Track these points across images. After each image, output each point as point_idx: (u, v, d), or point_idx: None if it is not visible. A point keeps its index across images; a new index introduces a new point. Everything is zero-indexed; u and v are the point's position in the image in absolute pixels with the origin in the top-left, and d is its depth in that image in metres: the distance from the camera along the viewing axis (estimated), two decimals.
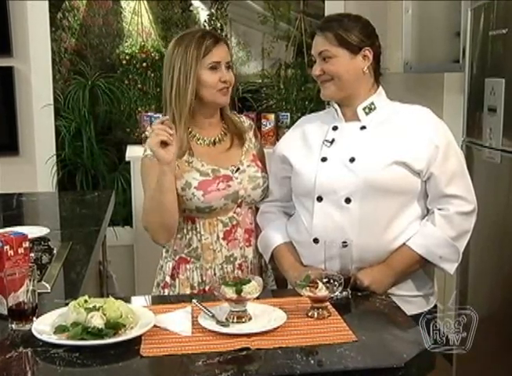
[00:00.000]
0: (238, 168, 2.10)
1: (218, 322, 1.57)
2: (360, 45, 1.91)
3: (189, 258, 2.09)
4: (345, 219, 1.87)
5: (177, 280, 2.10)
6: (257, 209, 2.17)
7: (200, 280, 2.08)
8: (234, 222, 2.09)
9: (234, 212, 2.09)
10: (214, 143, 2.13)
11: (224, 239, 2.08)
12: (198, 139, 2.11)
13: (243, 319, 1.59)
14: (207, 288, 2.06)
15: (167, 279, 2.11)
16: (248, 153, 2.17)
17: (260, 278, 1.67)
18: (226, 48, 2.09)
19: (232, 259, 2.08)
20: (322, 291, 1.65)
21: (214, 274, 2.07)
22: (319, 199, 1.91)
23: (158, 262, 2.18)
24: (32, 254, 1.94)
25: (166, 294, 2.10)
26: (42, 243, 2.23)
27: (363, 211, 1.86)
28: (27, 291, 1.56)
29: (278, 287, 2.22)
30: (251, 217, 2.14)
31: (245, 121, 2.25)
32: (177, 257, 2.10)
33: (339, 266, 1.80)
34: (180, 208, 2.03)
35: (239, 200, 2.08)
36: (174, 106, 2.04)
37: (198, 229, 2.07)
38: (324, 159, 1.93)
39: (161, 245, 2.12)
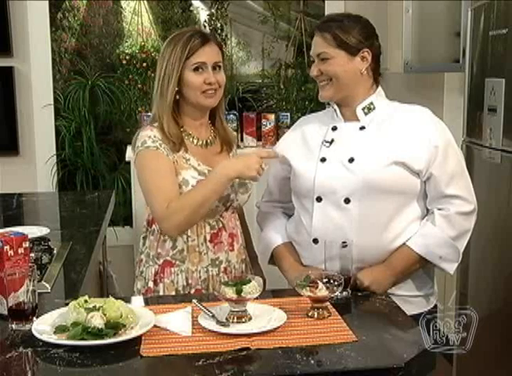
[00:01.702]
0: None
1: (218, 322, 1.57)
2: (358, 47, 1.90)
3: (173, 261, 2.06)
4: (345, 219, 1.87)
5: (160, 284, 2.06)
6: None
7: (185, 284, 2.05)
8: (220, 225, 2.07)
9: (221, 215, 2.08)
10: (207, 145, 2.12)
11: (210, 242, 2.06)
12: (192, 139, 2.10)
13: (243, 320, 1.59)
14: (192, 291, 2.04)
15: (150, 284, 2.08)
16: None
17: (260, 278, 1.67)
18: (216, 48, 2.06)
19: (217, 262, 2.07)
20: (322, 291, 1.64)
21: (199, 277, 2.05)
22: (319, 199, 1.91)
23: None
24: (32, 254, 1.93)
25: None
26: (42, 243, 2.22)
27: (362, 211, 1.86)
28: (27, 291, 1.56)
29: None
30: (234, 222, 2.13)
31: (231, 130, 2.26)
32: (161, 261, 2.07)
33: (339, 266, 1.80)
34: None
35: (228, 204, 2.07)
36: (157, 106, 2.05)
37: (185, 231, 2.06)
38: (323, 159, 1.93)
39: (171, 236, 2.04)
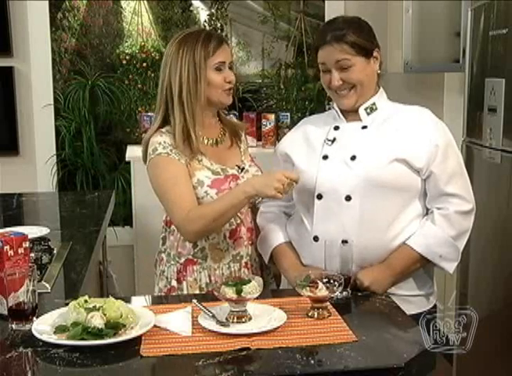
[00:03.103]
0: (243, 168, 2.13)
1: (218, 322, 1.57)
2: (371, 48, 1.93)
3: (195, 260, 2.08)
4: (345, 217, 1.88)
5: (184, 282, 2.08)
6: (257, 209, 2.17)
7: (208, 281, 2.07)
8: (238, 221, 2.09)
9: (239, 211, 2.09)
10: (217, 143, 2.14)
11: (230, 238, 2.08)
12: (202, 139, 2.11)
13: (243, 320, 1.59)
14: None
15: (174, 283, 2.09)
16: (246, 154, 2.20)
17: (260, 278, 1.67)
18: (228, 48, 2.11)
19: (238, 258, 2.09)
20: (322, 291, 1.65)
21: (222, 274, 2.07)
22: (319, 197, 1.91)
23: None
24: (32, 254, 1.93)
25: None
26: (42, 243, 2.22)
27: (364, 208, 1.87)
28: (27, 291, 1.56)
29: (276, 283, 2.24)
30: (251, 216, 2.15)
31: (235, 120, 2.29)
32: (182, 260, 2.09)
33: (339, 265, 1.80)
34: None
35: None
36: (187, 108, 2.03)
37: None
38: (325, 157, 1.94)
39: (189, 241, 2.06)
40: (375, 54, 1.94)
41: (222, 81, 2.05)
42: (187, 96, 2.03)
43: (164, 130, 2.08)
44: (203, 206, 1.99)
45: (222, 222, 1.99)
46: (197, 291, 2.06)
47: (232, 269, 2.08)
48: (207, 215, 1.95)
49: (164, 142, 2.05)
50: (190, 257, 2.08)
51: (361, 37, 1.91)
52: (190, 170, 2.04)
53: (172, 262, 2.11)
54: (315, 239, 1.92)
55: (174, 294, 2.09)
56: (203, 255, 2.07)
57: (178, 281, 2.09)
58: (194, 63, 2.03)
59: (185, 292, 2.08)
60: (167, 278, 2.12)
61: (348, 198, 1.87)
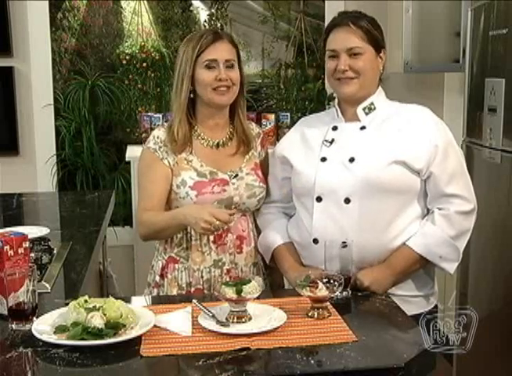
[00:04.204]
0: (236, 174, 2.08)
1: (218, 322, 1.57)
2: (381, 45, 1.95)
3: (178, 258, 2.08)
4: (345, 219, 1.87)
5: (165, 279, 2.09)
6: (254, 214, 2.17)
7: (188, 281, 2.06)
8: (225, 227, 2.04)
9: None
10: (218, 146, 2.12)
11: (214, 242, 2.06)
12: (202, 139, 2.10)
13: (243, 320, 1.59)
14: (192, 290, 2.06)
15: (157, 278, 2.11)
16: (250, 162, 2.14)
17: (260, 278, 1.67)
18: (229, 45, 2.06)
19: (220, 264, 2.07)
20: (322, 291, 1.64)
21: (202, 277, 2.06)
22: (319, 199, 1.91)
23: None
24: (32, 254, 1.93)
25: (156, 294, 2.10)
26: (42, 243, 2.22)
27: (363, 211, 1.86)
28: (27, 291, 1.56)
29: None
30: (245, 224, 2.11)
31: (254, 128, 2.22)
32: (167, 256, 2.10)
33: (339, 267, 1.80)
34: (173, 205, 2.06)
35: (233, 207, 2.05)
36: (173, 104, 2.08)
37: (188, 230, 2.06)
38: (324, 159, 1.93)
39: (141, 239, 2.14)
40: (381, 54, 1.95)
41: (211, 80, 2.02)
42: (174, 94, 2.07)
43: (167, 124, 2.11)
44: (156, 214, 2.03)
45: (165, 234, 2.06)
46: (176, 290, 2.06)
47: (213, 273, 2.06)
48: (153, 224, 2.03)
49: (158, 137, 2.08)
50: (173, 255, 2.09)
51: (375, 28, 1.93)
52: (177, 169, 2.05)
53: (159, 258, 2.13)
54: (315, 241, 1.91)
55: (160, 292, 2.10)
56: (186, 255, 2.07)
57: (161, 277, 2.10)
58: (182, 62, 2.05)
59: (165, 289, 2.08)
60: (154, 272, 2.14)
61: (347, 201, 1.87)
